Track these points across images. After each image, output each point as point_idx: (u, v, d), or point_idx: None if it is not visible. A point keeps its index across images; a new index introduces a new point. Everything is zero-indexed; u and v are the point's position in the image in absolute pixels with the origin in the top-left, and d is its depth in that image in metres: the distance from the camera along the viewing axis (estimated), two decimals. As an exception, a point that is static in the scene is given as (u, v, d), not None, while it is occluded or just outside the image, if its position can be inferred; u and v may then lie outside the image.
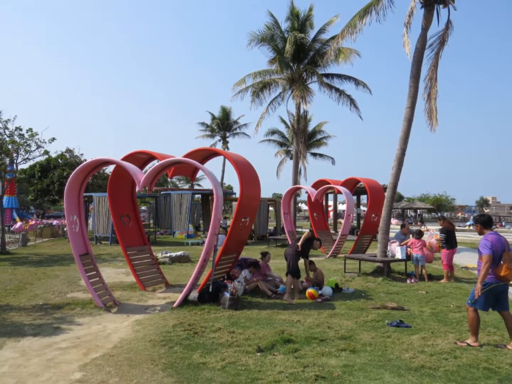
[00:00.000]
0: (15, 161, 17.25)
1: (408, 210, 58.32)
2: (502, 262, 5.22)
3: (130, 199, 9.42)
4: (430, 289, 9.20)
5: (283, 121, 36.91)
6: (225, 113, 46.73)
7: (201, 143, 48.35)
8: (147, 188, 7.72)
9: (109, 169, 26.57)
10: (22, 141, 16.46)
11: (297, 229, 20.89)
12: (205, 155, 9.16)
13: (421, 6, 11.80)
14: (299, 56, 24.10)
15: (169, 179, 54.86)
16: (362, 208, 30.38)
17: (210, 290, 7.67)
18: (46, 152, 17.60)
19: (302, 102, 22.89)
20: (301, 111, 24.54)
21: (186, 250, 15.05)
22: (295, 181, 25.23)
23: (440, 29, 12.30)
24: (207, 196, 26.02)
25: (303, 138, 25.15)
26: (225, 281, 8.27)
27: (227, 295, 7.32)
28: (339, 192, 18.16)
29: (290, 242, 15.06)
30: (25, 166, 28.52)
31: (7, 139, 16.13)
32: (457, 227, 17.87)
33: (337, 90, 24.42)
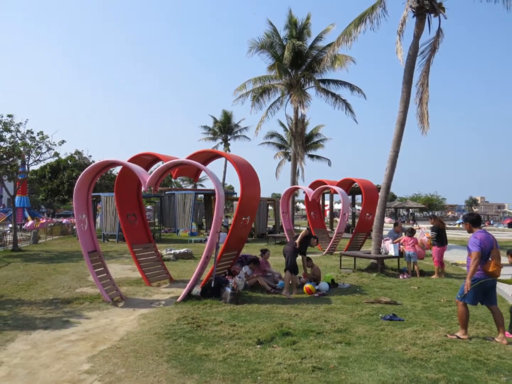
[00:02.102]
0: (26, 163, 17.25)
1: (401, 209, 58.26)
2: (490, 259, 5.22)
3: (136, 199, 9.42)
4: (421, 285, 9.20)
5: (282, 125, 36.93)
6: (227, 116, 46.73)
7: (203, 146, 48.50)
8: (152, 188, 7.72)
9: (116, 170, 26.59)
10: (33, 143, 16.46)
11: (295, 228, 20.88)
12: (207, 156, 9.15)
13: (413, 15, 11.80)
14: (297, 62, 24.07)
15: (173, 180, 54.83)
16: (357, 207, 30.39)
17: (212, 285, 7.67)
18: (56, 154, 17.58)
19: (300, 106, 22.88)
20: (299, 115, 24.51)
21: (190, 248, 15.06)
22: (293, 181, 25.20)
23: (431, 37, 12.33)
24: (209, 196, 26.04)
25: (301, 141, 25.12)
26: (227, 277, 8.28)
27: (229, 290, 7.32)
28: (335, 192, 18.15)
29: (288, 240, 15.05)
30: (36, 167, 28.54)
31: (19, 141, 16.12)
32: (447, 226, 17.85)
33: (333, 95, 24.39)
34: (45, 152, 16.87)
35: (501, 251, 5.74)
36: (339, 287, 8.90)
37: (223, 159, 33.49)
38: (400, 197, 71.82)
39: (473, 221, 5.56)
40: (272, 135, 38.12)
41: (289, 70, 24.34)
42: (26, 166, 17.66)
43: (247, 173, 8.35)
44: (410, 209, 56.69)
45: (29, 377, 4.25)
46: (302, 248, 8.79)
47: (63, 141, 17.36)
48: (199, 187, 53.15)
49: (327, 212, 34.34)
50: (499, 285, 6.12)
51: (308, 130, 36.27)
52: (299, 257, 8.73)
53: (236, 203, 12.03)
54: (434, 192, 61.61)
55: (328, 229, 22.00)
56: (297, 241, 8.56)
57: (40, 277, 9.93)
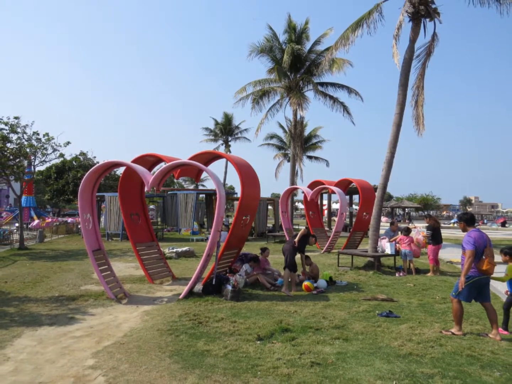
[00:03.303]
0: (32, 163, 17.26)
1: (397, 209, 58.32)
2: (484, 257, 5.22)
3: (139, 199, 9.42)
4: (417, 282, 9.20)
5: (281, 126, 36.92)
6: (227, 118, 46.72)
7: (205, 147, 48.34)
8: (155, 188, 7.72)
9: (120, 171, 26.58)
10: (39, 144, 16.48)
11: (294, 227, 20.88)
12: (208, 157, 9.15)
13: (409, 20, 11.79)
14: (296, 66, 24.06)
15: (175, 180, 54.83)
16: (354, 207, 30.40)
17: (214, 283, 7.67)
18: (62, 155, 17.60)
19: (298, 108, 22.87)
20: (298, 117, 24.49)
21: (191, 246, 15.06)
22: (292, 182, 25.19)
23: (426, 41, 12.30)
24: (210, 195, 26.00)
25: (299, 142, 25.11)
26: (227, 274, 8.28)
27: (229, 287, 7.32)
28: (333, 192, 18.15)
29: (287, 239, 15.06)
30: (42, 168, 28.58)
31: (26, 143, 16.13)
32: (442, 225, 17.86)
33: (331, 97, 24.38)
34: (50, 153, 16.93)
35: (495, 249, 5.74)
36: (337, 284, 8.90)
37: (224, 160, 33.53)
38: (396, 197, 71.90)
39: (467, 220, 5.56)
40: (272, 136, 38.17)
41: (288, 73, 24.33)
42: (32, 166, 17.66)
43: (247, 174, 8.35)
44: (406, 209, 56.69)
45: (35, 372, 4.25)
46: (301, 246, 8.78)
47: (68, 143, 17.43)
48: (200, 187, 53.10)
49: (325, 212, 34.32)
50: (492, 283, 6.12)
51: (306, 132, 36.23)
52: (298, 256, 8.73)
53: (236, 203, 12.02)
54: (429, 192, 61.75)
55: (326, 228, 22.01)
56: (296, 239, 8.56)
57: (46, 275, 9.93)
